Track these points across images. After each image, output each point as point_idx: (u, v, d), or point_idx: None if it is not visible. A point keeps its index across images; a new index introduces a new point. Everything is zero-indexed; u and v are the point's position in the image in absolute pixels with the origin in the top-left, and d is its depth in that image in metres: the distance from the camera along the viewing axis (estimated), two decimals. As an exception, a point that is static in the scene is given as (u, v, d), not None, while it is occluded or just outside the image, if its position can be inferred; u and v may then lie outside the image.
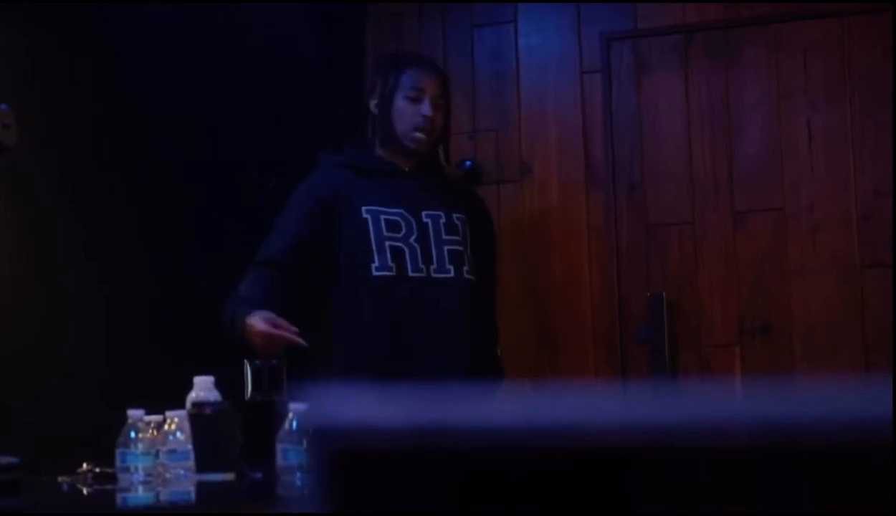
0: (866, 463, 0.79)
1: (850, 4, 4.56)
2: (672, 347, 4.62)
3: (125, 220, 4.16)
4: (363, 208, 3.66)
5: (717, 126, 4.68)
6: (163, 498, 2.73)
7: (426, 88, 3.77)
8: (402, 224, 3.68)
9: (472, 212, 3.90)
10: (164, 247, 4.28)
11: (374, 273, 3.62)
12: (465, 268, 3.75)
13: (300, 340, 3.42)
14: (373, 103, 3.82)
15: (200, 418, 2.87)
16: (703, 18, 4.72)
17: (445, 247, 3.71)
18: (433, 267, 3.68)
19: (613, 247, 4.73)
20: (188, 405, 2.96)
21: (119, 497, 2.73)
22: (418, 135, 3.74)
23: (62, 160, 3.98)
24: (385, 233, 3.64)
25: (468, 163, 4.91)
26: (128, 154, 4.21)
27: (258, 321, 3.46)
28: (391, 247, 3.64)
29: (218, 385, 3.03)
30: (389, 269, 3.62)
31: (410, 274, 3.64)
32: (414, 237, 3.68)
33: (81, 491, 2.87)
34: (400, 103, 3.75)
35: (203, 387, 3.00)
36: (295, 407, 2.74)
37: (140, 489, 2.74)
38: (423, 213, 3.72)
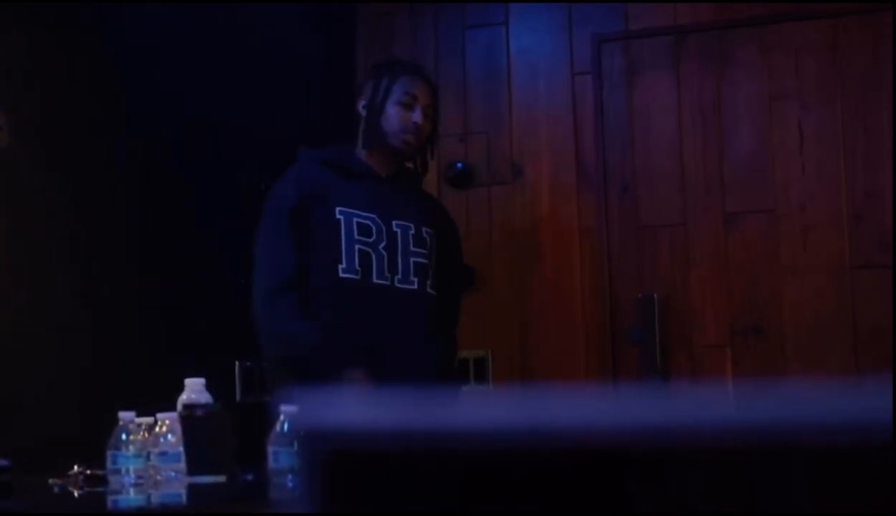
0: (862, 465, 0.79)
1: (841, 6, 4.57)
2: (664, 348, 4.63)
3: (117, 221, 4.16)
4: (337, 209, 3.65)
5: (709, 127, 4.68)
6: (154, 500, 2.72)
7: (419, 96, 3.78)
8: (374, 229, 3.68)
9: (441, 227, 3.90)
10: (155, 248, 4.27)
11: (341, 275, 3.61)
12: (429, 283, 3.75)
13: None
14: (360, 104, 3.83)
15: (191, 420, 2.87)
16: (695, 20, 4.73)
17: (412, 259, 3.72)
18: (398, 276, 3.68)
19: (605, 248, 4.73)
20: (179, 407, 2.96)
21: (110, 499, 2.73)
22: (408, 137, 3.75)
23: (52, 160, 3.97)
24: (356, 236, 3.64)
25: (459, 165, 4.91)
26: (120, 154, 4.20)
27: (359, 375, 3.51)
28: (360, 250, 3.64)
29: (209, 387, 3.02)
30: (355, 273, 3.62)
31: (375, 280, 3.64)
32: (383, 244, 3.68)
33: (72, 494, 2.86)
34: (391, 108, 3.76)
35: (194, 389, 3.00)
36: (286, 410, 2.74)
37: (131, 491, 2.73)
38: (394, 222, 3.72)
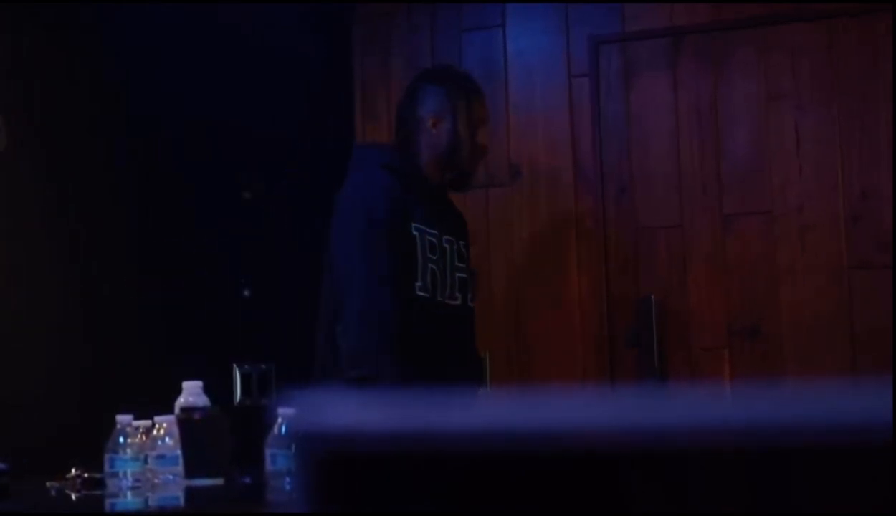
0: (861, 466, 0.79)
1: (838, 7, 4.57)
2: (661, 350, 4.63)
3: (115, 222, 4.16)
4: (413, 225, 3.60)
5: (706, 129, 4.68)
6: (151, 503, 2.72)
7: (485, 119, 3.82)
8: (437, 246, 3.66)
9: (468, 239, 3.90)
10: (153, 250, 4.27)
11: (418, 292, 3.56)
12: (469, 297, 3.76)
13: None
14: (425, 113, 3.75)
15: (189, 423, 2.87)
16: (691, 21, 4.73)
17: (457, 275, 3.72)
18: (447, 293, 3.67)
19: (602, 249, 4.73)
20: (177, 410, 2.96)
21: (107, 502, 2.73)
22: (478, 162, 3.81)
23: (51, 162, 3.97)
24: (427, 254, 3.61)
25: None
26: (119, 155, 4.20)
27: None
28: (430, 268, 3.62)
29: (206, 390, 3.02)
30: (427, 291, 3.58)
31: (438, 298, 3.63)
32: (440, 261, 3.66)
33: (70, 497, 2.86)
34: (465, 130, 3.74)
35: (192, 392, 3.00)
36: (283, 412, 2.74)
37: (128, 494, 2.73)
38: (444, 238, 3.70)
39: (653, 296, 4.64)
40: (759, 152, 4.63)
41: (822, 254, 4.52)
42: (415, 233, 3.59)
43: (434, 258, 3.62)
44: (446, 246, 3.68)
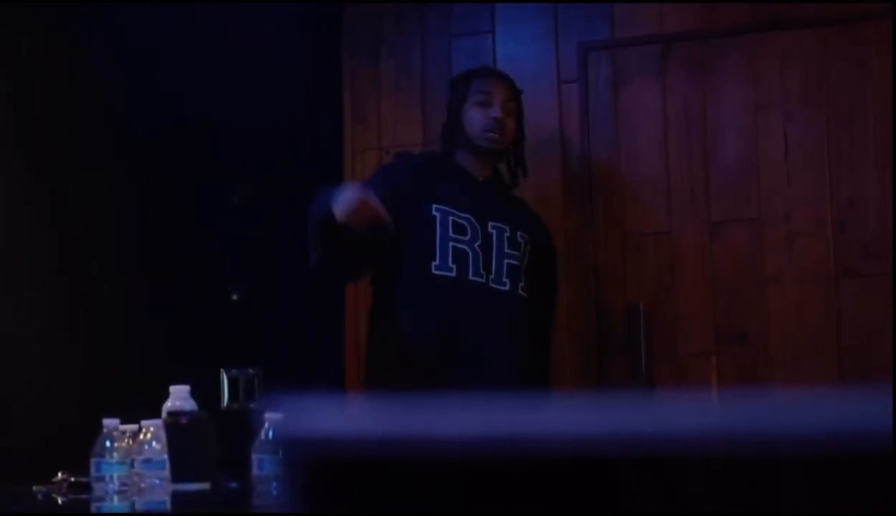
0: (858, 473, 0.79)
1: (827, 14, 4.58)
2: (649, 356, 4.63)
3: (102, 227, 4.15)
4: (433, 206, 3.74)
5: (694, 135, 4.69)
6: (138, 507, 2.72)
7: (494, 93, 3.92)
8: (469, 229, 3.77)
9: (535, 231, 4.01)
10: (142, 254, 4.27)
11: (433, 271, 3.68)
12: (521, 285, 3.84)
13: (388, 219, 3.42)
14: (446, 115, 4.01)
15: (176, 427, 2.86)
16: (681, 28, 4.74)
17: (505, 261, 3.80)
18: (491, 276, 3.76)
19: (590, 256, 4.73)
20: (164, 414, 2.95)
21: (94, 506, 2.72)
22: (491, 134, 3.86)
23: (42, 165, 3.96)
24: (451, 235, 3.72)
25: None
26: (113, 159, 4.19)
27: (357, 189, 3.46)
28: (454, 247, 3.72)
29: (194, 394, 3.02)
30: (450, 270, 3.69)
31: (471, 277, 3.72)
32: (478, 243, 3.76)
33: (56, 501, 2.86)
34: (471, 110, 3.89)
35: (179, 397, 2.99)
36: (270, 417, 2.73)
37: (115, 498, 2.73)
38: (490, 223, 3.81)
39: (640, 303, 4.65)
40: (747, 159, 4.63)
41: (810, 261, 4.52)
42: (435, 213, 3.73)
43: (464, 239, 3.73)
44: (492, 231, 3.79)
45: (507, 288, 3.78)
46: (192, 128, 4.42)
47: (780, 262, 4.55)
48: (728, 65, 4.69)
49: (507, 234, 3.83)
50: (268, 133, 4.69)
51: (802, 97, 4.60)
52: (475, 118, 3.87)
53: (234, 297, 4.57)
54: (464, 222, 3.76)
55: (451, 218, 3.73)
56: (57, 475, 3.00)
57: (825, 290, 4.50)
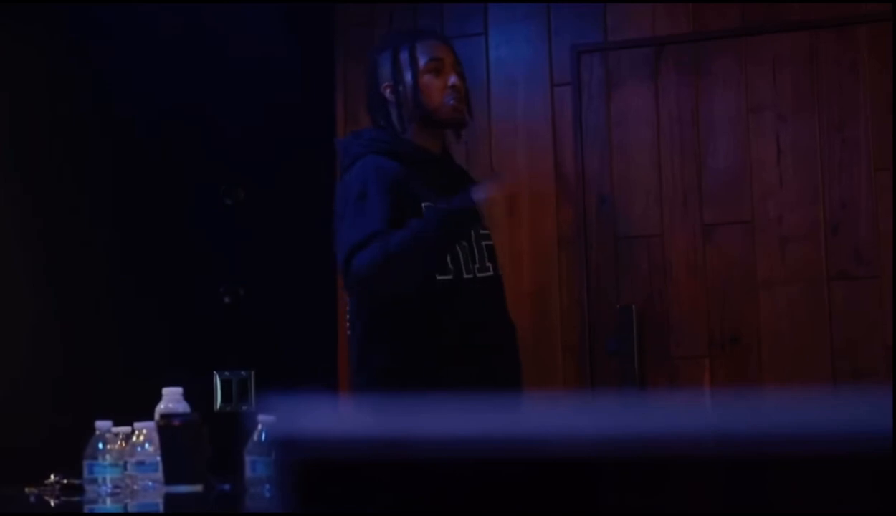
0: (858, 474, 0.79)
1: (818, 17, 4.59)
2: (641, 359, 4.63)
3: (93, 229, 4.14)
4: (423, 205, 3.33)
5: (687, 139, 4.69)
6: (130, 509, 2.71)
7: (444, 57, 3.51)
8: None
9: None
10: (133, 256, 4.26)
11: (437, 277, 3.31)
12: (497, 264, 3.51)
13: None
14: (383, 86, 3.52)
15: (169, 429, 2.86)
16: (673, 31, 4.74)
17: (483, 243, 3.45)
18: (477, 266, 3.40)
19: (583, 259, 4.73)
20: (156, 416, 2.95)
21: (86, 508, 2.72)
22: (452, 103, 3.45)
23: (25, 167, 3.96)
24: None
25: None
26: (96, 161, 4.19)
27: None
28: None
29: (186, 396, 3.02)
30: (449, 272, 3.33)
31: (465, 275, 3.35)
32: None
33: (49, 503, 2.85)
34: (424, 79, 3.45)
35: (171, 399, 2.99)
36: (263, 419, 2.73)
37: (107, 500, 2.73)
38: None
39: (633, 305, 4.65)
40: (739, 162, 4.64)
41: (802, 264, 4.53)
42: (427, 213, 3.32)
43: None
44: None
45: (490, 272, 3.43)
46: (185, 130, 4.42)
47: (773, 265, 4.56)
48: (720, 68, 4.70)
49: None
50: (260, 136, 4.69)
51: (794, 100, 4.61)
52: (432, 88, 3.44)
53: (227, 299, 4.57)
54: None
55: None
56: (49, 477, 3.00)
57: (817, 293, 4.51)
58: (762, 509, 0.80)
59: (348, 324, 3.52)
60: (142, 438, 2.82)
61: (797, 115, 4.60)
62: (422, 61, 3.48)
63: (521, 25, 4.93)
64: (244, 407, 4.51)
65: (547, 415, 0.83)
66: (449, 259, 3.33)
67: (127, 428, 2.84)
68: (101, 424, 2.82)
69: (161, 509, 2.74)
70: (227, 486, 2.91)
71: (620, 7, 4.81)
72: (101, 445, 2.79)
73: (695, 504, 0.81)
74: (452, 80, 3.47)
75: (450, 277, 3.33)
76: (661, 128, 4.73)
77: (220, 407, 4.53)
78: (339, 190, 3.44)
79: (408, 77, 3.47)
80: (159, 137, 4.37)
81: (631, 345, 4.63)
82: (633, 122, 4.77)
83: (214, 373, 4.54)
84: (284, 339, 4.59)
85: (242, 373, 4.58)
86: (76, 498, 2.81)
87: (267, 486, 2.63)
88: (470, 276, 3.38)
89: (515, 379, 3.54)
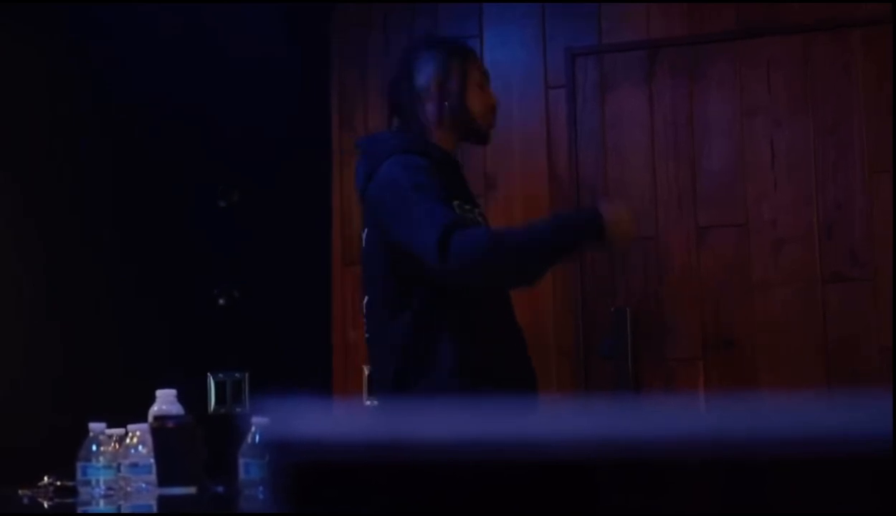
0: (858, 477, 0.79)
1: (813, 20, 4.59)
2: (635, 361, 4.63)
3: (89, 228, 4.14)
4: (455, 203, 3.28)
5: (681, 141, 4.70)
6: (124, 511, 2.71)
7: (486, 76, 3.57)
8: (479, 222, 3.38)
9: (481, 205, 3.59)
10: (127, 257, 4.26)
11: None
12: None
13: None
14: (430, 83, 3.48)
15: (162, 431, 2.86)
16: (668, 34, 4.75)
17: None
18: None
19: (577, 261, 4.73)
20: (150, 418, 2.95)
21: (80, 510, 2.72)
22: (491, 119, 3.52)
23: (19, 165, 3.95)
24: None
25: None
26: (92, 160, 4.18)
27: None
28: None
29: (180, 398, 3.01)
30: None
31: None
32: None
33: (42, 504, 2.85)
34: (472, 91, 3.48)
35: (165, 400, 2.98)
36: (257, 421, 2.73)
37: (101, 502, 2.72)
38: (477, 211, 3.41)
39: (628, 308, 4.65)
40: (733, 164, 4.65)
41: (797, 266, 4.54)
42: (457, 211, 3.28)
43: None
44: (480, 219, 3.38)
45: None
46: (180, 131, 4.42)
47: (767, 267, 4.56)
48: (715, 70, 4.70)
49: (483, 220, 3.45)
50: (256, 137, 4.69)
51: (789, 103, 4.61)
52: (477, 101, 3.49)
53: (222, 301, 4.56)
54: (471, 215, 3.34)
55: (467, 214, 3.32)
56: (43, 479, 2.99)
57: (811, 295, 4.51)
58: (758, 511, 0.80)
59: (365, 313, 3.48)
60: (135, 440, 2.81)
61: (791, 117, 4.60)
62: (473, 72, 3.52)
63: (516, 28, 4.93)
64: (238, 409, 4.50)
65: (541, 419, 0.83)
66: None
67: (121, 430, 2.83)
68: (95, 426, 2.82)
69: (154, 511, 2.74)
70: (220, 488, 2.91)
71: (615, 10, 4.82)
72: (94, 447, 2.78)
73: (689, 507, 0.81)
74: (494, 100, 3.54)
75: None
76: (656, 130, 4.73)
77: (214, 408, 4.53)
78: (379, 190, 3.35)
79: (456, 81, 3.48)
80: (155, 139, 4.36)
81: (625, 348, 4.63)
82: (627, 125, 4.77)
83: (209, 374, 4.53)
84: (279, 341, 4.59)
85: (237, 374, 4.58)
86: (70, 500, 2.81)
87: (261, 488, 2.62)
88: None
89: (535, 384, 3.53)
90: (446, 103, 3.48)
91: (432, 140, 3.46)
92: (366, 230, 3.46)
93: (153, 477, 2.79)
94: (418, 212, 3.21)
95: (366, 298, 3.46)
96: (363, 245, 3.48)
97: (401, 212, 3.26)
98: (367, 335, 3.47)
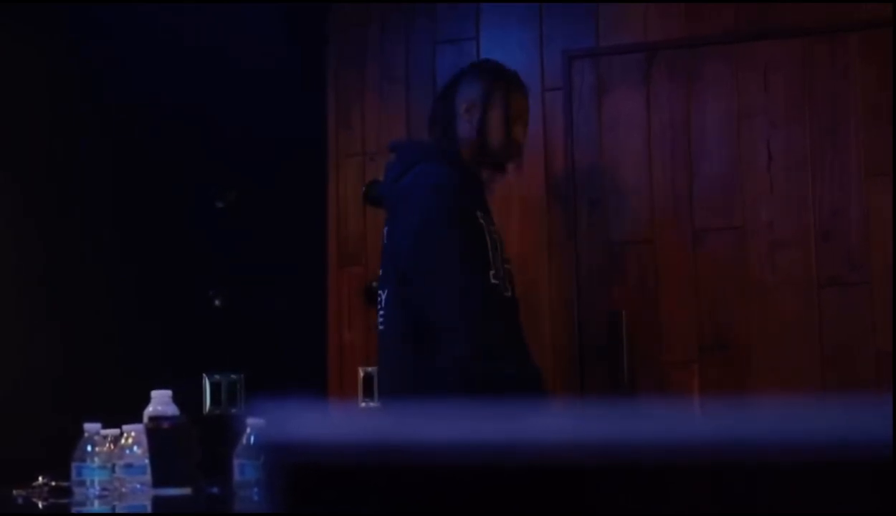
0: (858, 483, 0.79)
1: (810, 24, 4.59)
2: (631, 364, 4.63)
3: (84, 229, 4.14)
4: (478, 213, 3.49)
5: (678, 144, 4.70)
6: (119, 512, 2.71)
7: (522, 115, 3.73)
8: (495, 238, 3.54)
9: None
10: (124, 258, 4.25)
11: (493, 280, 3.43)
12: (515, 289, 3.64)
13: None
14: (462, 104, 3.68)
15: (157, 432, 2.85)
16: (665, 37, 4.75)
17: (505, 266, 3.57)
18: (507, 286, 3.56)
19: (573, 264, 4.73)
20: (145, 419, 2.94)
21: (74, 510, 2.71)
22: (512, 155, 3.70)
23: (17, 166, 3.95)
24: (490, 244, 3.48)
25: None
26: (89, 161, 4.18)
27: None
28: (496, 258, 3.49)
29: (175, 399, 3.01)
30: (499, 279, 3.47)
31: (504, 293, 3.53)
32: (496, 252, 3.52)
33: (37, 505, 2.85)
34: (496, 120, 3.66)
35: (160, 401, 2.98)
36: (252, 423, 2.73)
37: (96, 503, 2.72)
38: (492, 229, 3.56)
39: (623, 311, 4.65)
40: (730, 168, 4.65)
41: (793, 270, 4.53)
42: (481, 221, 3.47)
43: (496, 249, 3.50)
44: (496, 237, 3.54)
45: (510, 294, 3.56)
46: (178, 131, 4.42)
47: (763, 271, 4.56)
48: (712, 73, 4.70)
49: (499, 239, 3.59)
50: (252, 138, 4.68)
51: (786, 106, 4.61)
52: (500, 132, 3.65)
53: (217, 302, 4.56)
54: (490, 230, 3.51)
55: (487, 226, 3.49)
56: (37, 479, 2.99)
57: (808, 299, 4.51)
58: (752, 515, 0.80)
59: (382, 306, 3.57)
60: (130, 441, 2.81)
61: (789, 120, 4.60)
62: (512, 105, 3.70)
63: (513, 30, 4.93)
64: (233, 410, 4.50)
65: (536, 422, 0.83)
66: (492, 274, 3.43)
67: (116, 431, 2.83)
68: (90, 426, 2.82)
69: (149, 512, 2.73)
70: (215, 489, 2.91)
71: (612, 12, 4.81)
72: (89, 447, 2.78)
73: (685, 511, 0.81)
74: (522, 137, 3.72)
75: (499, 283, 3.46)
76: (653, 133, 4.73)
77: (210, 409, 4.52)
78: (418, 190, 3.49)
79: (492, 115, 3.66)
80: (153, 140, 4.36)
81: (621, 351, 4.63)
82: (624, 127, 4.77)
83: (204, 375, 4.53)
84: (274, 342, 4.59)
85: (232, 375, 4.57)
86: (64, 501, 2.81)
87: (255, 490, 2.62)
88: (507, 295, 3.52)
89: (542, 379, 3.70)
90: (468, 128, 3.64)
91: (459, 155, 3.62)
92: (386, 228, 3.57)
93: (148, 477, 2.78)
94: (452, 285, 3.37)
95: (385, 292, 3.57)
96: (384, 240, 3.62)
97: (411, 239, 3.42)
98: (380, 327, 3.57)
